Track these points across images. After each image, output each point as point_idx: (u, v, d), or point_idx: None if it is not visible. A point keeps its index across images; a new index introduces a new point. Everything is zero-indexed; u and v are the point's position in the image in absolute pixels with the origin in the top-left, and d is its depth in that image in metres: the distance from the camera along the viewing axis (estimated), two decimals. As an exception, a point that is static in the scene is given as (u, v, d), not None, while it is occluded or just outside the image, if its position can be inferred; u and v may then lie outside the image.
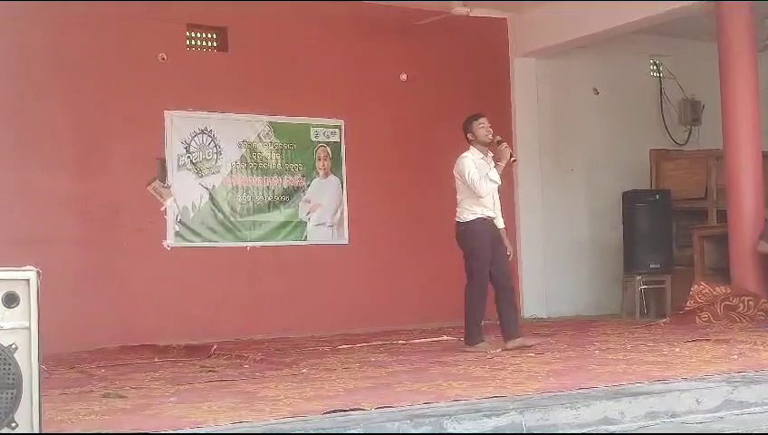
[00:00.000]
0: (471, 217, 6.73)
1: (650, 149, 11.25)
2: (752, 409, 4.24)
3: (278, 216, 9.75)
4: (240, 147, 9.60)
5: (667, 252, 10.52)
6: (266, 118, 9.72)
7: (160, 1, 9.06)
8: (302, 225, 9.85)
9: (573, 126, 11.38)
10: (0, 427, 3.34)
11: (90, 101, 8.93)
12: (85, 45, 8.93)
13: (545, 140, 11.08)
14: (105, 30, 8.95)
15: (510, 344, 6.58)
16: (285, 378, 5.32)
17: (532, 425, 3.78)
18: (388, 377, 5.21)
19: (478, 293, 6.69)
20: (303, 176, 9.90)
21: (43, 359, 3.51)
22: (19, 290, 3.46)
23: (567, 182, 11.27)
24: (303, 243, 9.83)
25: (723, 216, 9.70)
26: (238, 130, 9.60)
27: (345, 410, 3.91)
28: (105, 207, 8.92)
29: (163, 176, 9.21)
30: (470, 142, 6.81)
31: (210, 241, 9.39)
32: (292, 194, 9.83)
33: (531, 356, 6.12)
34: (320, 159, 10.00)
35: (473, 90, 10.64)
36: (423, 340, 7.99)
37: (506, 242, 6.92)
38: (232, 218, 9.51)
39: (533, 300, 10.78)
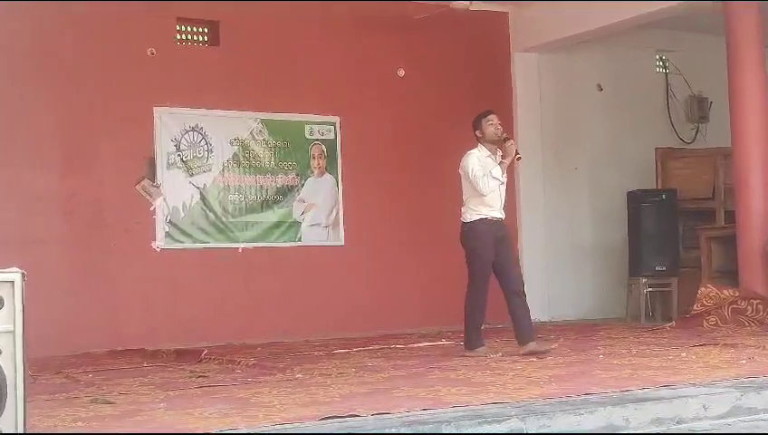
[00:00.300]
0: (474, 218, 6.71)
1: (656, 148, 11.25)
2: (761, 415, 4.24)
3: (271, 216, 9.74)
4: (232, 145, 9.60)
5: (674, 253, 10.53)
6: (259, 115, 9.71)
7: (149, -6, 9.07)
8: (296, 225, 9.85)
9: (576, 123, 11.39)
10: (-16, 434, 3.34)
11: (76, 97, 8.92)
12: (71, 40, 8.92)
13: (547, 137, 11.09)
14: (92, 24, 8.94)
15: (522, 350, 6.57)
16: (279, 383, 5.32)
17: (533, 432, 3.78)
18: (385, 382, 5.21)
19: (478, 296, 6.69)
20: (298, 175, 9.90)
21: (28, 363, 3.50)
22: (3, 292, 3.46)
23: (570, 181, 11.28)
24: (297, 244, 9.83)
25: (731, 216, 9.71)
26: (230, 128, 9.59)
27: (341, 417, 3.91)
28: (92, 206, 8.91)
29: (152, 175, 9.20)
30: (478, 140, 6.80)
31: (201, 242, 9.38)
32: (285, 193, 9.83)
33: (532, 361, 6.12)
34: (314, 158, 10.00)
35: (472, 86, 10.64)
36: (421, 344, 8.00)
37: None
38: (224, 219, 9.51)
39: (535, 303, 10.63)
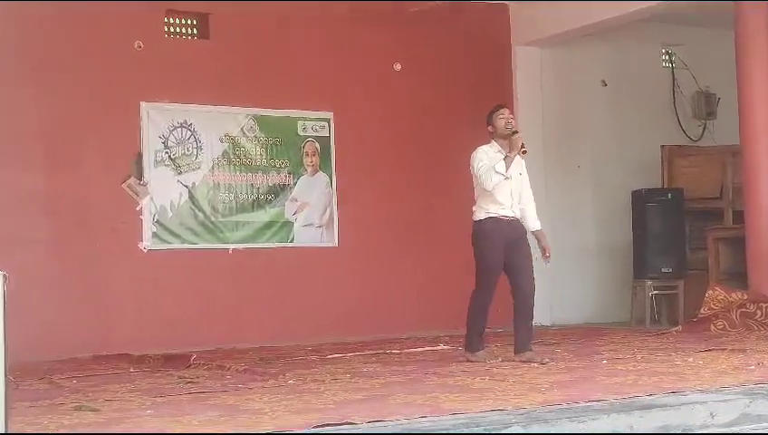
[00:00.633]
0: (483, 216, 6.64)
1: (662, 145, 11.27)
2: (770, 422, 4.25)
3: (263, 216, 9.74)
4: (222, 141, 9.60)
5: (680, 255, 10.55)
6: (250, 110, 9.71)
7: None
8: (288, 225, 9.85)
9: (579, 120, 11.40)
10: (-36, 442, 3.33)
11: (60, 92, 8.91)
12: (55, 33, 8.91)
13: (549, 134, 11.10)
14: (76, 16, 8.92)
15: (517, 358, 6.58)
16: (270, 390, 5.32)
17: (535, 440, 3.79)
18: (380, 389, 5.22)
19: (481, 297, 6.64)
20: (290, 173, 9.90)
21: (9, 369, 3.50)
22: (-16, 295, 3.45)
23: (573, 180, 11.29)
24: (290, 245, 9.83)
25: (739, 216, 9.72)
26: (220, 124, 9.59)
27: (335, 425, 3.91)
28: (76, 206, 8.90)
29: (139, 173, 9.20)
30: (491, 135, 6.75)
31: (190, 243, 9.38)
32: (277, 192, 9.83)
33: (533, 367, 6.13)
34: (307, 155, 10.00)
35: (472, 81, 10.65)
36: (418, 349, 8.00)
37: (544, 243, 6.78)
38: (213, 218, 9.50)
39: (536, 307, 10.69)
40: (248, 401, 4.81)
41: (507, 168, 6.54)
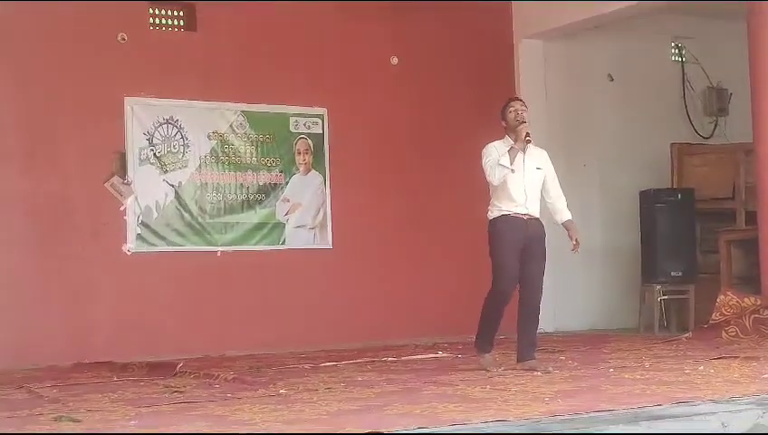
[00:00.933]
0: (495, 214, 6.63)
1: (671, 143, 11.29)
2: (784, 434, 4.26)
3: (253, 217, 9.74)
4: (210, 139, 9.60)
5: (690, 258, 10.56)
6: (239, 106, 9.71)
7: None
8: (279, 227, 9.85)
9: (585, 116, 11.41)
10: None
11: (39, 86, 8.91)
12: (34, 24, 8.90)
13: (554, 131, 11.10)
14: (57, 6, 8.92)
15: (520, 366, 6.58)
16: (261, 399, 5.32)
17: (538, 452, 3.79)
18: (376, 398, 5.22)
19: (495, 298, 6.58)
20: (281, 172, 9.90)
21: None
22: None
23: (578, 179, 11.28)
24: (281, 247, 9.83)
25: (752, 218, 9.73)
26: (208, 120, 9.59)
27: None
28: (56, 206, 8.90)
29: (123, 171, 9.19)
30: (504, 130, 6.71)
31: (176, 245, 9.38)
32: (268, 192, 9.83)
33: (537, 376, 6.13)
34: (300, 153, 10.01)
35: (472, 75, 10.66)
36: (416, 356, 8.00)
37: (574, 233, 6.75)
38: (200, 220, 9.50)
39: (540, 312, 10.78)
40: (237, 412, 4.80)
41: (512, 160, 6.49)
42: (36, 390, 6.37)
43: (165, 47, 9.46)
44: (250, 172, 9.75)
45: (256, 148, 9.79)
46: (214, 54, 9.59)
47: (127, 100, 9.21)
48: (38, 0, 8.77)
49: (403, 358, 7.87)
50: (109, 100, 9.11)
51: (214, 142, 9.61)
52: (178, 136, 9.45)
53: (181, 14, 9.65)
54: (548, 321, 10.59)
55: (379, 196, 10.19)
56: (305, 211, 9.96)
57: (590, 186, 11.38)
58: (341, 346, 9.08)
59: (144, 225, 9.24)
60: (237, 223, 9.67)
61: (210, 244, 9.52)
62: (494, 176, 6.54)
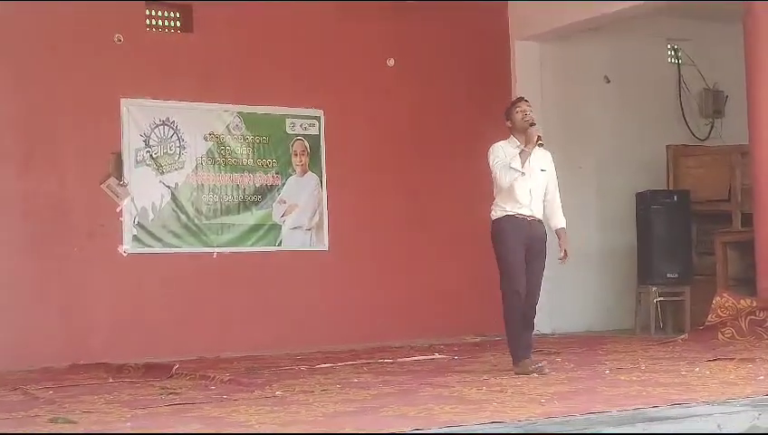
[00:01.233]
0: (500, 215, 6.58)
1: (667, 145, 11.30)
2: (780, 436, 4.26)
3: (249, 218, 9.74)
4: (206, 140, 9.59)
5: (686, 260, 10.57)
6: (236, 107, 9.71)
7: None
8: (275, 228, 9.85)
9: (581, 118, 11.41)
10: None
11: (36, 87, 8.89)
12: (31, 25, 8.89)
13: (550, 133, 10.98)
14: (53, 7, 8.91)
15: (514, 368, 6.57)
16: (257, 401, 5.32)
17: (534, 454, 3.79)
18: (372, 400, 5.22)
19: (511, 301, 6.49)
20: (278, 173, 9.89)
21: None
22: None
23: (574, 181, 11.26)
24: (277, 249, 9.83)
25: (748, 219, 9.74)
26: (204, 122, 9.59)
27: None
28: (52, 207, 8.89)
29: (119, 173, 9.18)
30: (509, 131, 6.69)
31: (172, 246, 9.37)
32: (264, 193, 9.82)
33: (533, 377, 6.13)
34: (296, 155, 10.00)
35: (468, 77, 10.67)
36: (412, 358, 8.00)
37: (564, 243, 6.73)
38: (197, 221, 9.49)
39: (536, 314, 10.78)
40: (233, 414, 4.80)
41: (523, 163, 6.48)
42: (32, 391, 6.36)
43: (161, 48, 9.46)
44: (246, 174, 9.74)
45: (253, 149, 9.79)
46: (210, 56, 9.58)
47: (123, 101, 9.21)
48: (35, 0, 8.76)
49: (399, 360, 7.87)
50: (105, 101, 9.10)
51: (210, 144, 9.61)
52: (175, 137, 9.45)
53: (178, 15, 9.64)
54: (544, 322, 10.60)
55: (375, 197, 10.19)
56: (301, 213, 9.96)
57: (587, 187, 11.37)
58: (338, 348, 9.07)
59: (140, 226, 9.23)
60: (233, 224, 9.66)
61: (206, 245, 9.51)
62: (504, 178, 6.50)
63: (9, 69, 8.82)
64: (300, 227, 9.95)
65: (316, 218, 10.02)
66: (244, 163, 9.74)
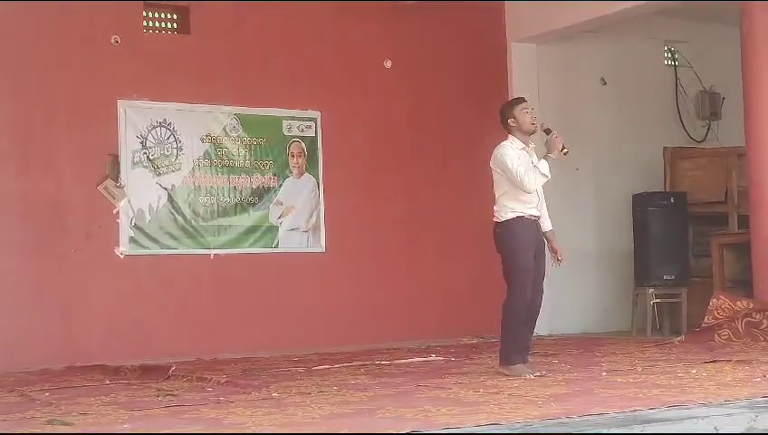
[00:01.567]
0: (510, 216, 6.50)
1: (664, 147, 11.30)
2: (777, 438, 4.27)
3: (246, 220, 9.74)
4: (203, 142, 9.59)
5: (683, 262, 10.57)
6: (233, 109, 9.71)
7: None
8: (272, 230, 9.85)
9: (578, 120, 11.41)
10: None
11: (32, 89, 8.89)
12: (28, 26, 8.89)
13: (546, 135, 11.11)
14: (50, 9, 8.90)
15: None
16: (254, 403, 5.32)
17: (531, 456, 3.79)
18: (369, 402, 5.22)
19: (517, 304, 6.43)
20: (275, 175, 9.89)
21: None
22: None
23: (571, 183, 11.29)
24: (274, 250, 9.83)
25: (745, 221, 9.75)
26: (201, 123, 9.59)
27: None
28: (49, 208, 8.88)
29: (116, 174, 9.18)
30: (510, 130, 6.64)
31: (169, 248, 9.36)
32: (261, 195, 9.82)
33: (530, 379, 6.13)
34: (293, 156, 10.00)
35: (465, 79, 10.67)
36: (409, 360, 7.99)
37: (556, 244, 6.70)
38: (194, 223, 9.49)
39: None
40: (230, 415, 4.80)
41: (549, 168, 6.49)
42: (29, 393, 6.36)
43: (158, 50, 9.45)
44: (243, 175, 9.74)
45: (250, 151, 9.79)
46: (207, 57, 9.58)
47: (120, 103, 9.21)
48: (32, 1, 8.76)
49: (396, 361, 7.86)
50: (102, 103, 9.10)
51: (207, 145, 9.60)
52: (171, 139, 9.45)
53: (175, 16, 9.64)
54: (541, 324, 10.56)
55: (372, 199, 10.19)
56: (298, 214, 9.96)
57: (583, 189, 11.38)
58: (334, 349, 9.07)
59: (137, 228, 9.23)
60: (230, 226, 9.66)
61: (203, 247, 9.51)
62: (530, 183, 6.45)
63: (6, 70, 8.81)
64: (297, 228, 9.95)
65: (313, 220, 10.03)
66: (241, 165, 9.74)
